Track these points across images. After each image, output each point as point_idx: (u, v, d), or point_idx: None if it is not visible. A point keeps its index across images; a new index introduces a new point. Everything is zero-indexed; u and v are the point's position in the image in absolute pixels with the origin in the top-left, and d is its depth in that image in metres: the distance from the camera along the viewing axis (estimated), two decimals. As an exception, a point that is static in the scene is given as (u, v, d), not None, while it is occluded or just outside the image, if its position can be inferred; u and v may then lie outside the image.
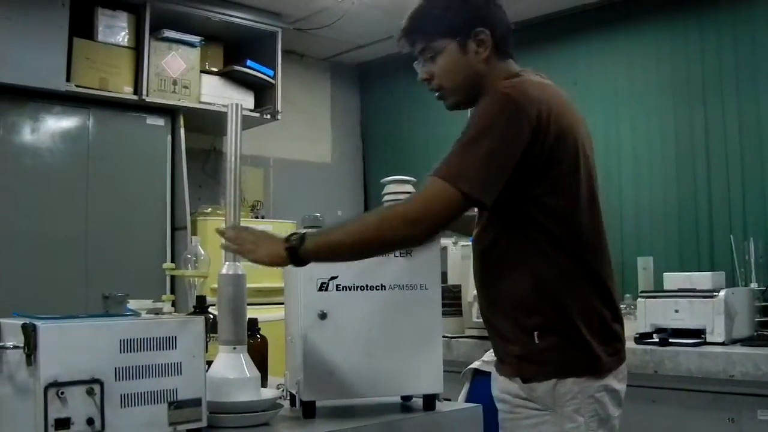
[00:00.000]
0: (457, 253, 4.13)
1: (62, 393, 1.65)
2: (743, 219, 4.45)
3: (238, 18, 5.28)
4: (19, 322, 1.68)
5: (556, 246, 2.05)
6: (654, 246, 4.76)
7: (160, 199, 4.93)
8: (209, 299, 2.59)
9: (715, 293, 3.64)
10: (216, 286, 2.19)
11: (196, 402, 1.86)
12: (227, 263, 2.18)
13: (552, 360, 2.04)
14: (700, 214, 4.63)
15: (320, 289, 2.20)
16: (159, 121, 4.98)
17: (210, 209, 5.04)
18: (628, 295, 4.34)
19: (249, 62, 5.30)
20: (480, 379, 2.99)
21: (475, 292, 2.89)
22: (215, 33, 5.31)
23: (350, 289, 2.21)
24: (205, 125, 5.38)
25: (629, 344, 3.57)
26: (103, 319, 1.88)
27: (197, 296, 2.64)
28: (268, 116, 5.43)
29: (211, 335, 2.22)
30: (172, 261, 4.60)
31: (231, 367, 2.12)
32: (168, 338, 1.82)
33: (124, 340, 1.75)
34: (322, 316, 2.19)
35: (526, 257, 2.08)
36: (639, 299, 3.92)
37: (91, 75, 4.63)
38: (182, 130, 5.03)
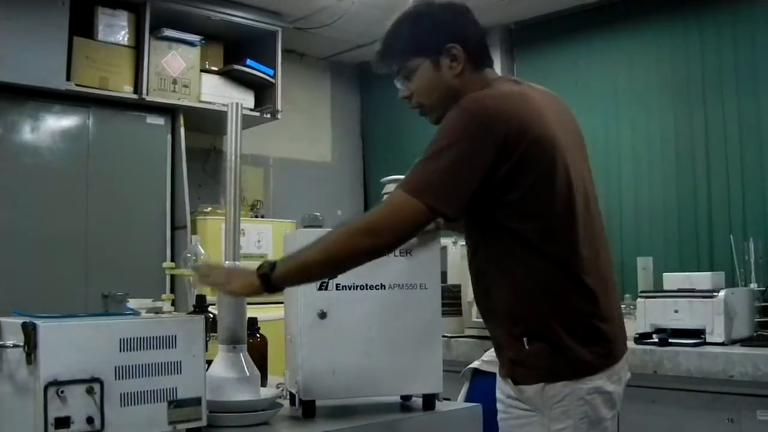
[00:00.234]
0: (457, 253, 4.13)
1: (62, 392, 1.65)
2: (743, 219, 4.45)
3: (238, 17, 5.27)
4: (19, 320, 1.69)
5: (533, 253, 2.05)
6: (654, 246, 4.76)
7: (160, 198, 4.93)
8: (209, 298, 2.59)
9: (714, 293, 3.65)
10: (216, 285, 2.19)
11: (196, 401, 1.86)
12: (227, 262, 2.18)
13: (539, 365, 2.05)
14: (699, 214, 4.63)
15: (320, 289, 2.20)
16: (159, 121, 4.98)
17: (210, 208, 5.04)
18: (627, 295, 4.34)
19: (249, 61, 5.30)
20: (479, 378, 2.99)
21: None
22: (215, 32, 5.30)
23: (350, 289, 2.22)
24: (205, 124, 5.38)
25: (628, 344, 3.57)
26: (102, 318, 1.88)
27: (197, 295, 2.64)
28: (268, 115, 5.43)
29: (211, 334, 2.22)
30: (172, 260, 4.60)
31: (231, 366, 2.12)
32: (168, 337, 1.83)
33: (123, 339, 1.76)
34: (322, 315, 2.19)
35: (505, 266, 2.10)
36: (638, 299, 3.92)
37: (91, 74, 4.63)
38: (182, 130, 5.03)
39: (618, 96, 5.07)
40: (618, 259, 4.74)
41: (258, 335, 2.57)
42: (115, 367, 1.73)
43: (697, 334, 3.60)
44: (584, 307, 2.08)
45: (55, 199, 4.51)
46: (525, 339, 2.06)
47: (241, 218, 2.26)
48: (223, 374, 2.09)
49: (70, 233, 4.52)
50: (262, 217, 5.54)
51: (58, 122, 4.61)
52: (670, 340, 3.57)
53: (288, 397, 2.35)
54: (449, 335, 4.04)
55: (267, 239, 5.07)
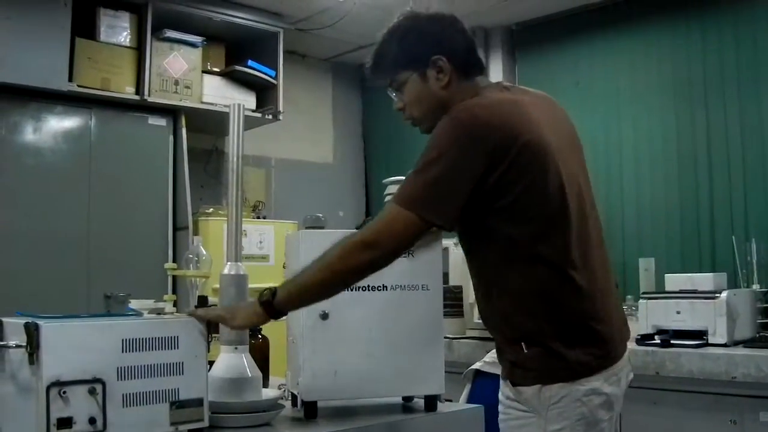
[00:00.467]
0: (459, 254, 4.11)
1: (64, 392, 1.65)
2: (745, 220, 4.44)
3: (240, 18, 5.28)
4: (22, 321, 1.69)
5: (526, 258, 2.07)
6: (655, 247, 4.75)
7: (162, 199, 4.93)
8: (211, 299, 2.59)
9: (716, 294, 3.64)
10: (218, 286, 2.19)
11: (198, 402, 1.86)
12: (229, 263, 2.18)
13: (536, 367, 2.06)
14: (701, 215, 4.63)
15: (322, 290, 2.19)
16: (161, 121, 4.99)
17: (212, 209, 5.03)
18: (629, 296, 4.34)
19: (250, 62, 5.30)
20: (481, 379, 2.99)
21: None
22: (217, 33, 5.31)
23: (352, 290, 2.21)
24: (207, 125, 5.38)
25: (630, 345, 3.56)
26: (105, 318, 1.88)
27: (199, 296, 2.64)
28: (270, 116, 5.43)
29: (213, 335, 2.22)
30: (174, 261, 4.59)
31: (233, 367, 2.12)
32: (170, 338, 1.83)
33: (126, 340, 1.76)
34: (324, 316, 2.19)
35: (499, 271, 2.11)
36: (640, 300, 3.91)
37: (93, 75, 4.64)
38: (184, 130, 5.03)
39: (619, 96, 5.07)
40: (620, 260, 4.74)
41: (260, 336, 2.57)
42: (118, 368, 1.73)
43: (700, 335, 3.59)
44: (579, 309, 2.09)
45: (57, 199, 4.51)
46: (523, 343, 2.07)
47: (243, 219, 2.26)
48: (225, 375, 2.09)
49: (72, 234, 4.53)
50: (264, 218, 5.54)
51: (60, 123, 4.61)
52: (672, 342, 3.57)
53: (290, 398, 2.35)
54: (451, 336, 4.04)
55: (269, 240, 5.07)
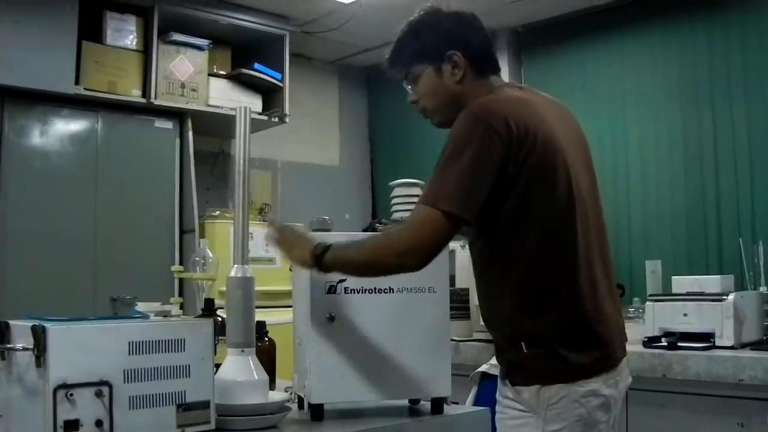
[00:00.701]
0: (465, 256, 4.11)
1: (71, 395, 1.65)
2: (752, 222, 4.44)
3: (246, 21, 5.29)
4: (29, 323, 1.69)
5: (531, 259, 2.09)
6: (662, 249, 4.75)
7: (169, 201, 4.94)
8: (217, 302, 2.59)
9: (723, 297, 3.63)
10: (224, 288, 2.19)
11: (205, 404, 1.86)
12: (236, 266, 2.18)
13: (536, 367, 2.08)
14: (708, 217, 4.62)
15: (328, 292, 2.20)
16: (167, 124, 4.99)
17: (218, 212, 5.04)
18: (636, 299, 4.33)
19: (257, 65, 5.31)
20: (488, 382, 2.99)
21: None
22: (223, 36, 5.32)
23: (358, 292, 2.22)
24: (214, 128, 5.39)
25: (637, 348, 3.58)
26: (111, 321, 1.88)
27: (205, 299, 2.64)
28: (276, 119, 5.43)
29: (220, 338, 2.22)
30: (181, 264, 4.61)
31: (239, 369, 2.12)
32: (176, 341, 1.83)
33: (132, 343, 1.76)
34: (331, 318, 2.19)
35: (502, 271, 2.14)
36: (647, 303, 3.90)
37: (99, 78, 4.65)
38: (190, 133, 5.04)
39: (625, 98, 5.07)
40: (626, 262, 4.73)
41: (266, 339, 2.57)
42: (124, 370, 1.73)
43: (707, 337, 3.58)
44: (581, 311, 2.11)
45: (64, 202, 4.52)
46: (523, 343, 2.09)
47: (250, 222, 2.26)
48: (232, 378, 2.09)
49: (79, 237, 4.53)
50: (270, 220, 5.53)
51: (66, 126, 4.62)
52: (679, 344, 3.55)
53: (296, 400, 2.35)
54: (458, 339, 4.03)
55: (275, 243, 5.06)
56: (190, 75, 5.03)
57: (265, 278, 4.06)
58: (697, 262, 4.62)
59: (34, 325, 1.66)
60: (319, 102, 6.51)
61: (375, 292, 2.23)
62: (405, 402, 2.37)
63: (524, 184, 2.05)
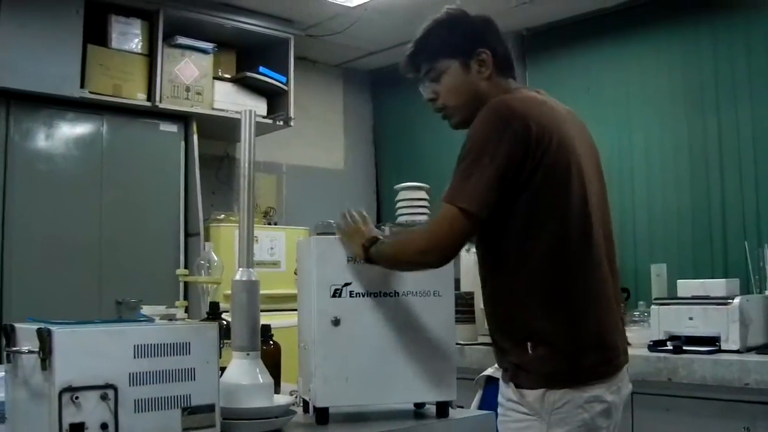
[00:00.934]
0: (470, 260, 4.11)
1: (76, 398, 1.65)
2: (757, 226, 4.43)
3: (251, 24, 5.29)
4: (34, 326, 1.69)
5: (542, 259, 2.10)
6: (667, 253, 4.74)
7: (174, 205, 4.94)
8: (222, 305, 2.59)
9: (729, 300, 3.62)
10: (229, 292, 2.19)
11: (210, 408, 1.86)
12: (241, 269, 2.18)
13: (542, 370, 2.08)
14: (713, 221, 4.61)
15: (334, 296, 2.20)
16: (172, 128, 4.99)
17: (223, 215, 5.04)
18: (641, 302, 4.32)
19: (261, 69, 5.31)
20: (493, 386, 2.98)
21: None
22: (228, 39, 5.32)
23: (364, 296, 2.22)
24: (218, 132, 5.39)
25: (642, 352, 3.58)
26: (117, 324, 1.88)
27: (210, 302, 2.64)
28: (281, 123, 5.43)
29: (225, 341, 2.22)
30: (186, 267, 4.60)
31: (244, 373, 2.12)
32: (181, 344, 1.83)
33: (138, 346, 1.76)
34: (336, 322, 2.19)
35: (512, 271, 2.14)
36: (652, 306, 3.89)
37: (104, 81, 4.65)
38: (195, 137, 5.04)
39: (630, 102, 5.06)
40: (631, 266, 4.72)
41: (271, 342, 2.57)
42: (129, 374, 1.74)
43: (712, 341, 3.57)
44: (589, 315, 2.12)
45: (69, 205, 4.53)
46: (529, 344, 2.09)
47: (255, 225, 2.26)
48: (237, 381, 2.09)
49: (84, 240, 4.54)
50: (275, 224, 5.54)
51: (71, 129, 4.63)
52: (684, 348, 3.55)
53: (301, 404, 2.35)
54: (463, 342, 4.03)
55: (280, 246, 5.07)
56: (195, 78, 5.03)
57: (270, 282, 4.09)
58: (703, 265, 4.61)
59: (39, 328, 1.67)
60: (323, 105, 6.52)
61: (380, 296, 2.24)
62: (410, 405, 2.38)
63: (539, 184, 2.06)
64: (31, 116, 4.47)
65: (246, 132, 2.25)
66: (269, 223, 5.49)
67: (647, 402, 3.46)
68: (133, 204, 4.76)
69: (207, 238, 4.79)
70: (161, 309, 2.97)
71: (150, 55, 4.85)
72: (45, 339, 1.65)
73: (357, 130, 6.75)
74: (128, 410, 1.72)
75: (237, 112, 4.95)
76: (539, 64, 5.52)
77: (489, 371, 3.06)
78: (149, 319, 2.33)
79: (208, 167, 5.51)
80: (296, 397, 2.41)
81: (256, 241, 4.72)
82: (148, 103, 4.81)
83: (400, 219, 3.66)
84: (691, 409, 3.44)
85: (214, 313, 2.58)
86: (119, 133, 4.78)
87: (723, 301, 3.63)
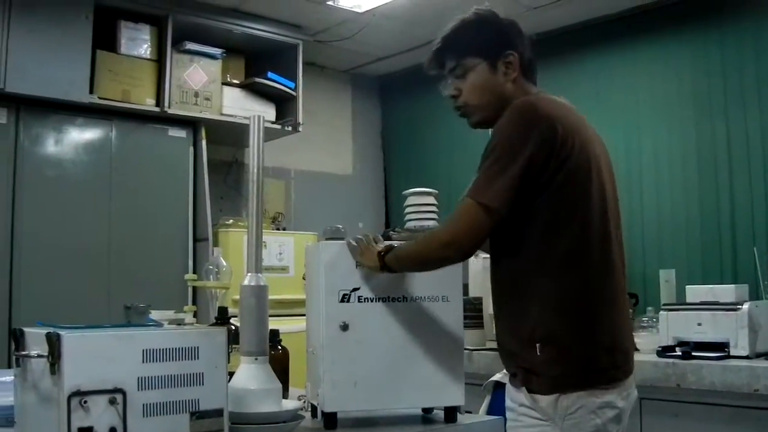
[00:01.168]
0: (479, 265, 4.13)
1: (85, 402, 1.65)
2: (766, 231, 4.41)
3: (259, 30, 5.30)
4: (43, 331, 1.69)
5: (561, 263, 2.12)
6: (676, 258, 4.73)
7: (182, 210, 4.95)
8: (231, 310, 2.60)
9: (738, 306, 3.61)
10: (237, 297, 2.20)
11: (218, 412, 1.86)
12: (249, 274, 2.18)
13: (551, 372, 2.09)
14: (722, 227, 4.60)
15: (342, 301, 2.20)
16: (181, 133, 5.01)
17: (231, 221, 5.05)
18: (650, 308, 4.31)
19: (270, 74, 5.32)
20: (501, 391, 2.97)
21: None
22: (236, 45, 5.33)
23: (372, 301, 2.22)
24: (227, 137, 5.40)
25: (651, 357, 3.57)
26: (125, 329, 1.88)
27: (219, 307, 2.65)
28: (290, 128, 5.44)
29: (233, 346, 2.22)
30: (194, 272, 4.62)
31: (253, 377, 2.12)
32: (190, 349, 1.83)
33: (146, 351, 1.76)
34: (344, 327, 2.19)
35: (530, 272, 2.15)
36: (661, 312, 3.89)
37: (113, 87, 4.66)
38: (204, 142, 5.05)
39: (639, 107, 5.05)
40: (640, 272, 4.72)
41: (280, 347, 2.58)
42: (138, 378, 1.74)
43: (721, 347, 3.56)
44: (605, 320, 2.14)
45: (78, 211, 4.54)
46: (538, 345, 2.10)
47: (263, 230, 2.26)
48: (245, 386, 2.10)
49: (93, 245, 4.55)
50: (284, 229, 5.55)
51: (81, 135, 4.64)
52: (693, 354, 3.54)
53: (310, 409, 2.35)
54: (471, 348, 4.02)
55: (288, 251, 5.08)
56: (204, 84, 5.04)
57: (279, 287, 4.08)
58: (712, 271, 4.60)
59: (48, 333, 1.67)
60: (332, 111, 6.52)
61: (389, 301, 2.24)
62: (418, 411, 2.38)
63: (561, 186, 2.09)
64: (40, 122, 4.48)
65: (254, 137, 2.25)
66: (278, 229, 5.50)
67: (656, 408, 3.45)
68: (141, 209, 4.77)
69: (216, 243, 4.79)
70: (170, 314, 2.97)
71: (159, 60, 4.86)
72: (54, 343, 1.66)
73: (365, 136, 6.75)
74: (137, 414, 1.72)
75: (246, 118, 4.96)
76: (549, 69, 5.46)
77: (497, 376, 3.05)
78: (158, 324, 2.33)
79: (217, 172, 5.52)
80: (304, 402, 2.42)
81: (265, 246, 4.72)
82: (157, 109, 4.82)
83: (409, 224, 3.66)
84: (699, 415, 3.43)
85: (223, 317, 2.59)
86: (128, 138, 4.79)
87: (732, 306, 3.62)
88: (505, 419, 2.28)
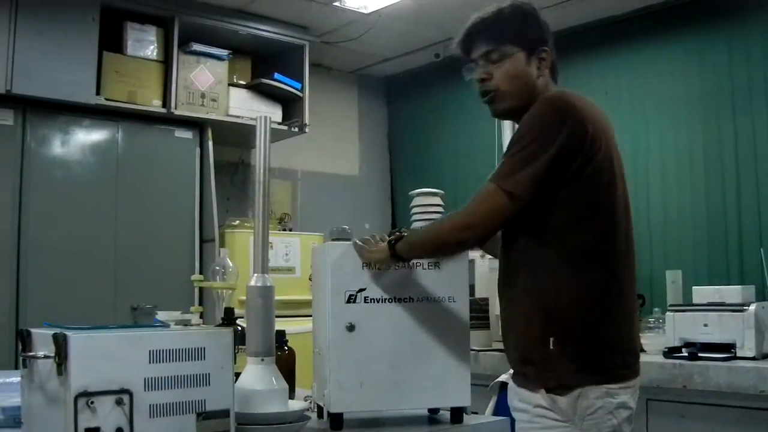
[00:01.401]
0: (485, 266, 4.12)
1: (92, 402, 1.66)
2: (773, 232, 4.41)
3: (266, 31, 5.31)
4: (50, 332, 1.70)
5: (585, 256, 2.12)
6: (683, 259, 4.72)
7: (189, 211, 4.96)
8: (237, 311, 2.60)
9: (744, 307, 3.61)
10: (244, 297, 2.20)
11: (225, 413, 1.86)
12: (256, 275, 2.18)
13: (567, 370, 2.08)
14: (729, 227, 4.59)
15: (348, 302, 2.20)
16: (187, 134, 5.01)
17: (238, 222, 5.06)
18: (656, 309, 4.30)
19: (276, 75, 5.33)
20: (507, 392, 2.98)
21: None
22: (243, 46, 5.34)
23: (378, 302, 2.22)
24: (233, 138, 5.41)
25: (658, 358, 3.57)
26: (132, 330, 1.89)
27: (225, 308, 2.65)
28: (296, 129, 5.45)
29: (240, 347, 2.23)
30: (201, 273, 4.62)
31: (259, 378, 2.12)
32: (197, 349, 1.83)
33: (153, 351, 1.76)
34: (350, 328, 2.19)
35: (553, 266, 2.13)
36: (668, 313, 3.88)
37: (120, 88, 4.67)
38: (210, 143, 5.05)
39: (647, 107, 5.05)
40: (647, 273, 4.71)
41: (286, 348, 2.57)
42: (145, 379, 1.74)
43: (728, 348, 3.56)
44: (621, 318, 2.15)
45: (85, 212, 4.55)
46: (552, 339, 2.09)
47: (270, 231, 2.26)
48: (252, 386, 2.10)
49: (100, 246, 4.56)
50: (290, 230, 5.55)
51: (87, 136, 4.65)
52: (699, 354, 3.53)
53: (316, 409, 2.35)
54: (477, 348, 4.02)
55: (295, 252, 5.08)
56: (211, 85, 5.05)
57: (285, 287, 4.08)
58: (718, 272, 4.59)
59: (55, 334, 1.67)
60: (338, 112, 6.53)
61: (395, 302, 2.24)
62: (424, 411, 2.38)
63: (586, 181, 2.10)
64: (47, 123, 4.49)
65: (261, 138, 2.25)
66: (284, 229, 5.50)
67: (662, 409, 3.45)
68: (148, 210, 4.78)
69: (222, 244, 4.80)
70: (176, 314, 2.98)
71: (165, 61, 4.87)
72: (61, 344, 1.66)
73: (372, 137, 6.76)
74: (143, 415, 1.73)
75: (252, 119, 4.96)
76: (558, 68, 5.50)
77: (503, 377, 3.05)
78: (164, 325, 2.34)
79: (224, 173, 5.53)
80: (311, 402, 2.42)
81: (271, 247, 4.73)
82: (164, 110, 4.83)
83: (415, 225, 3.65)
84: (706, 416, 3.42)
85: (229, 318, 2.59)
86: (134, 139, 4.80)
87: (738, 307, 3.62)
88: (512, 420, 2.28)
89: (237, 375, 2.05)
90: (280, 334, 2.48)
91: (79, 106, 4.54)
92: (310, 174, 6.30)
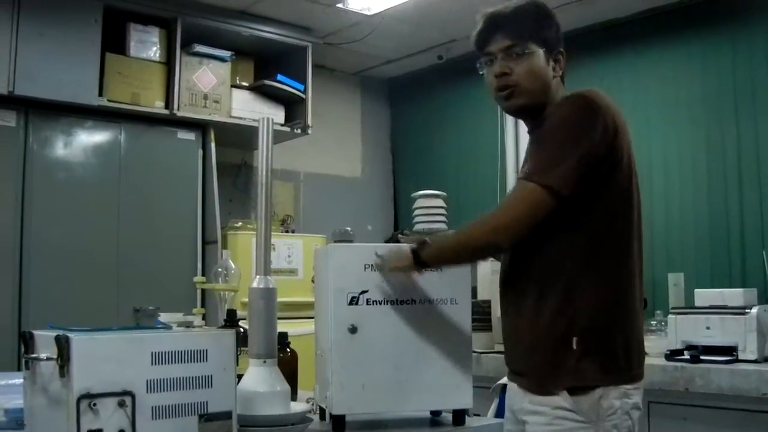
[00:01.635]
0: (487, 268, 4.11)
1: (94, 404, 1.66)
2: (776, 235, 4.41)
3: (269, 32, 5.31)
4: (53, 334, 1.70)
5: (612, 256, 2.15)
6: (685, 262, 4.72)
7: (191, 213, 4.96)
8: (240, 313, 2.60)
9: (747, 310, 3.60)
10: (246, 299, 2.20)
11: (227, 415, 1.86)
12: (258, 277, 2.18)
13: (589, 369, 2.09)
14: (731, 230, 4.59)
15: (350, 303, 2.20)
16: (190, 136, 5.01)
17: (240, 223, 5.05)
18: (658, 312, 4.30)
19: (279, 77, 5.33)
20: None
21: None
22: (246, 47, 5.34)
23: (380, 304, 2.22)
24: (236, 139, 5.41)
25: (659, 361, 3.57)
26: (134, 331, 1.89)
27: (228, 310, 2.65)
28: (299, 130, 5.45)
29: (242, 349, 2.22)
30: (203, 275, 4.61)
31: (261, 380, 2.12)
32: (199, 351, 1.83)
33: (155, 353, 1.76)
34: (353, 330, 2.19)
35: (576, 264, 2.14)
36: (670, 316, 3.88)
37: (122, 90, 4.67)
38: (213, 145, 5.05)
39: (649, 110, 5.04)
40: (649, 275, 4.69)
41: (288, 350, 2.58)
42: (147, 381, 1.74)
43: (729, 351, 3.56)
44: (636, 320, 2.18)
45: (87, 213, 4.55)
46: (575, 339, 2.10)
47: (272, 233, 2.26)
48: (254, 388, 2.10)
49: (102, 248, 4.56)
50: (293, 231, 5.55)
51: (90, 137, 4.65)
52: (701, 357, 3.53)
53: (318, 411, 2.35)
54: (479, 351, 4.02)
55: (297, 254, 5.08)
56: (213, 86, 5.05)
57: (288, 289, 4.09)
58: (720, 275, 4.59)
59: (58, 336, 1.67)
60: (341, 113, 6.53)
61: (397, 304, 2.24)
62: (426, 413, 2.38)
63: (612, 182, 2.13)
64: (49, 124, 4.49)
65: (263, 140, 2.25)
66: (287, 231, 5.50)
67: (664, 411, 3.45)
68: (150, 212, 4.78)
69: (224, 246, 4.80)
70: (179, 316, 2.97)
71: (168, 63, 4.87)
72: (63, 346, 1.66)
73: (374, 138, 6.76)
74: (146, 417, 1.73)
75: (255, 120, 4.98)
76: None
77: (505, 379, 3.04)
78: (167, 327, 2.34)
79: (226, 175, 5.53)
80: (313, 404, 2.42)
81: (274, 248, 4.73)
82: (166, 111, 4.83)
83: (417, 227, 3.65)
84: (708, 419, 3.42)
85: (232, 320, 2.59)
86: (137, 141, 4.80)
87: (740, 310, 3.62)
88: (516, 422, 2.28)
89: (239, 377, 2.05)
90: (283, 336, 2.48)
91: (81, 108, 4.54)
92: (312, 176, 6.30)
